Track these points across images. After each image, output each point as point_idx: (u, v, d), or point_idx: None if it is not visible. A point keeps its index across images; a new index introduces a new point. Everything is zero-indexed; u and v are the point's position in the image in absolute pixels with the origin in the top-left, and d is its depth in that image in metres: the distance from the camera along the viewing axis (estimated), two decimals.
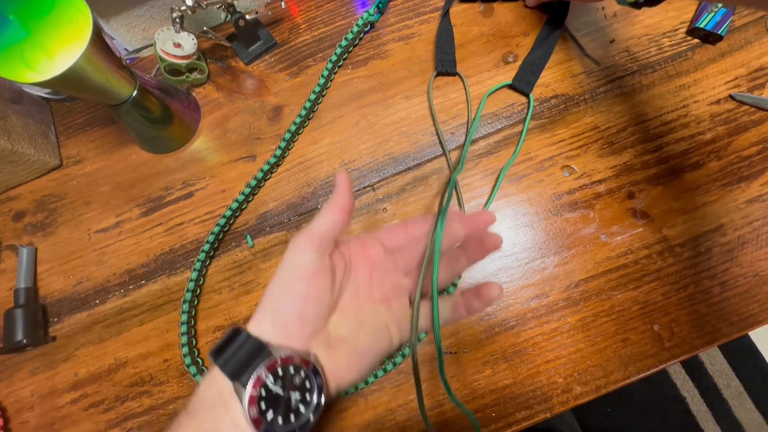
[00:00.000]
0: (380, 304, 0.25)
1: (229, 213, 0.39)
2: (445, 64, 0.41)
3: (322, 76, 0.42)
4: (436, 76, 0.41)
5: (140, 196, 0.42)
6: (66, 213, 0.42)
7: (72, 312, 0.40)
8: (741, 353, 1.02)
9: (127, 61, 0.46)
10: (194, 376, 0.36)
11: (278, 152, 0.40)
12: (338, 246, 0.26)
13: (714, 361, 1.03)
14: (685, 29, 0.41)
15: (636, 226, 0.36)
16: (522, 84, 0.39)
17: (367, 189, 0.40)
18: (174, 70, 0.43)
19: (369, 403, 0.35)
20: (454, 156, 0.40)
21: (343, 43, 0.42)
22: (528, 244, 0.37)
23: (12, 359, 0.39)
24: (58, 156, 0.44)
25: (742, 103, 0.38)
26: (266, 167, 0.40)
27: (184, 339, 0.36)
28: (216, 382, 0.21)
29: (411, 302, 0.26)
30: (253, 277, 0.39)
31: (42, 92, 0.44)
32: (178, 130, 0.42)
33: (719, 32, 0.39)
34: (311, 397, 0.21)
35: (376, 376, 0.35)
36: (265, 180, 0.41)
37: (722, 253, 0.35)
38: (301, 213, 0.40)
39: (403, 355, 0.35)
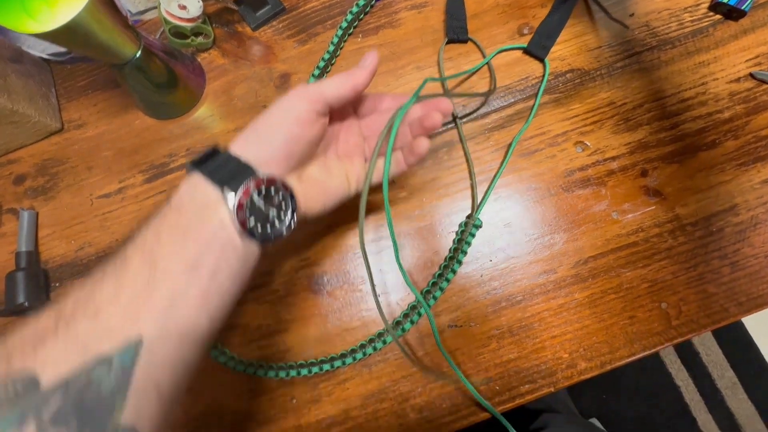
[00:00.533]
0: (344, 158, 0.30)
1: None
2: (456, 31, 0.40)
3: (332, 43, 0.41)
4: (447, 43, 0.40)
5: (143, 162, 0.41)
6: (67, 178, 0.41)
7: (74, 277, 0.39)
8: (737, 344, 1.03)
9: (132, 23, 0.45)
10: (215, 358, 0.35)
11: None
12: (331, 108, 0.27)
13: (710, 351, 1.04)
14: (707, 4, 0.39)
15: (648, 204, 0.36)
16: (537, 49, 0.38)
17: None
18: (179, 34, 0.42)
19: (373, 373, 0.35)
20: (466, 127, 0.39)
21: (354, 9, 0.41)
22: (537, 220, 0.36)
23: (13, 322, 0.39)
24: (59, 119, 0.43)
25: (763, 81, 0.37)
26: None
27: None
28: (200, 187, 0.22)
29: (366, 161, 0.31)
30: None
31: (43, 53, 0.43)
32: (182, 96, 0.41)
33: (743, 8, 0.38)
34: (285, 216, 0.24)
35: (375, 349, 0.35)
36: None
37: (734, 234, 0.35)
38: None
39: (404, 329, 0.35)
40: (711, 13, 0.39)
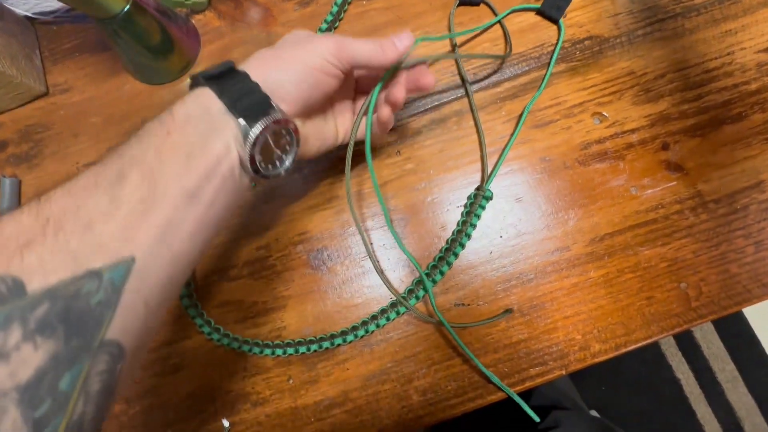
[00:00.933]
0: (337, 108, 0.31)
1: None
2: None
3: (335, 4, 0.38)
4: (458, 5, 0.38)
5: (133, 129, 0.38)
6: (52, 144, 0.39)
7: None
8: (738, 337, 1.02)
9: None
10: (209, 335, 0.33)
11: None
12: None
13: (711, 344, 1.03)
14: None
15: (669, 179, 0.34)
16: (552, 9, 0.36)
17: None
18: None
19: (374, 353, 0.33)
20: (477, 96, 0.37)
21: None
22: (552, 195, 0.34)
23: None
24: (43, 82, 0.40)
25: None
26: None
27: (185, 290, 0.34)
28: (211, 107, 0.21)
29: (353, 114, 0.31)
30: (255, 218, 0.36)
31: (27, 12, 0.40)
32: (175, 59, 0.39)
33: None
34: (287, 157, 0.25)
35: (378, 326, 0.33)
36: None
37: (760, 211, 0.33)
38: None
39: (403, 310, 0.33)
40: None
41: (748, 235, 0.33)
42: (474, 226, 0.34)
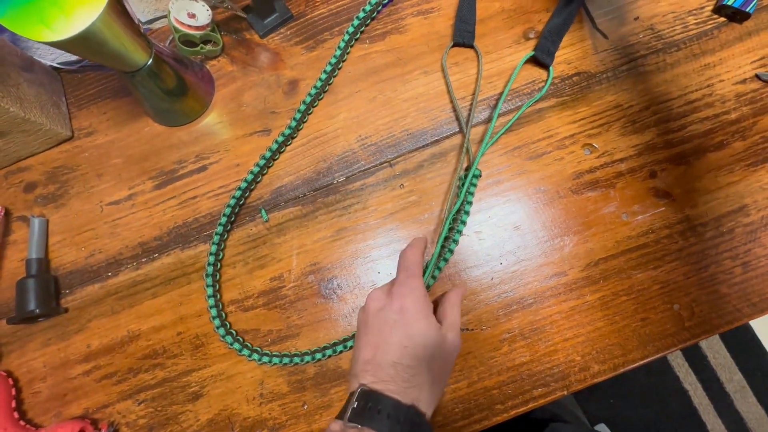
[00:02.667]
0: None
1: (244, 185, 0.38)
2: (464, 35, 0.40)
3: (339, 48, 0.41)
4: (452, 46, 0.41)
5: (153, 168, 0.41)
6: (78, 185, 0.42)
7: (84, 284, 0.39)
8: (744, 347, 1.03)
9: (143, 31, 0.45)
10: (231, 345, 0.36)
11: (293, 124, 0.40)
12: None
13: (717, 354, 1.03)
14: (711, 7, 0.40)
15: (658, 205, 0.36)
16: (543, 55, 0.39)
17: (384, 165, 0.39)
18: (188, 41, 0.42)
19: None
20: (475, 131, 0.39)
21: (361, 15, 0.42)
22: (547, 222, 0.36)
23: (24, 330, 0.39)
24: (69, 127, 0.43)
25: None
26: (281, 139, 0.39)
27: (214, 312, 0.36)
28: None
29: None
30: (268, 251, 0.38)
31: (54, 62, 0.44)
32: (191, 103, 0.42)
33: (747, 10, 0.38)
34: None
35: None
36: (280, 153, 0.40)
37: (745, 234, 0.35)
38: (316, 188, 0.39)
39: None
40: (715, 16, 0.40)
41: (736, 257, 0.35)
42: (470, 203, 0.37)
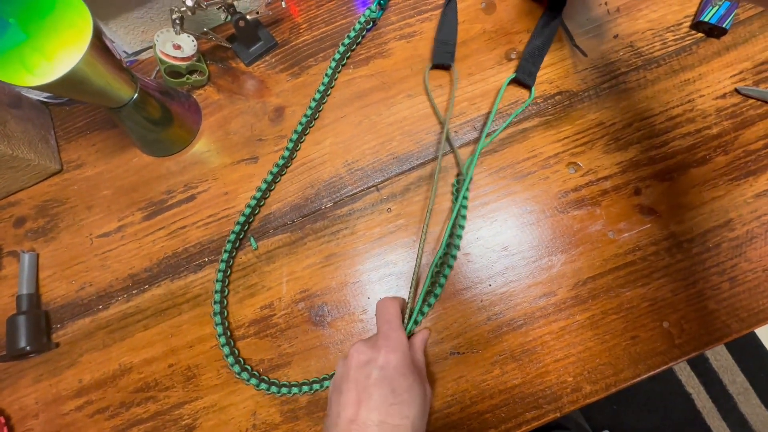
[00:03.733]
0: None
1: (242, 219, 0.39)
2: (443, 56, 0.40)
3: (326, 75, 0.42)
4: (432, 68, 0.41)
5: (142, 199, 0.42)
6: (67, 218, 0.42)
7: (75, 318, 0.39)
8: (746, 349, 1.02)
9: (127, 64, 0.46)
10: (239, 374, 0.35)
11: (286, 153, 0.40)
12: None
13: (719, 357, 1.03)
14: (689, 23, 0.40)
15: (643, 222, 0.36)
16: (525, 76, 0.39)
17: (371, 189, 0.40)
18: (174, 72, 0.43)
19: None
20: (460, 152, 0.39)
21: (346, 41, 0.42)
22: (535, 242, 0.37)
23: (15, 366, 0.38)
24: (58, 160, 0.43)
25: (748, 96, 0.38)
26: (275, 170, 0.40)
27: (223, 339, 0.36)
28: None
29: None
30: (257, 279, 0.38)
31: (41, 96, 0.44)
32: (179, 133, 0.42)
33: (723, 26, 0.38)
34: None
35: None
36: (275, 183, 0.40)
37: (731, 249, 0.35)
38: (304, 215, 0.40)
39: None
40: (693, 32, 0.40)
41: (722, 272, 0.35)
42: (464, 215, 0.37)
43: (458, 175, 0.38)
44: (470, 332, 0.35)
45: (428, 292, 0.36)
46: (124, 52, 0.46)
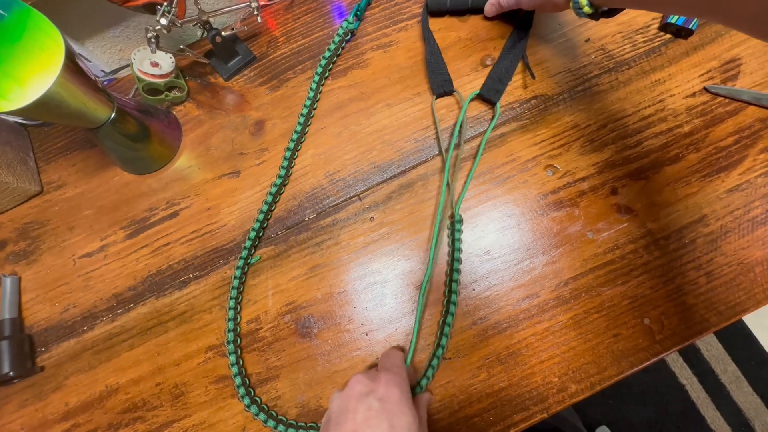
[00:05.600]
0: None
1: (248, 244, 0.39)
2: (443, 85, 0.41)
3: (311, 89, 0.42)
4: (437, 98, 0.41)
5: (124, 218, 0.41)
6: (49, 239, 0.42)
7: (59, 340, 0.39)
8: (735, 337, 1.04)
9: (104, 83, 0.46)
10: (242, 398, 0.35)
11: (282, 172, 0.40)
12: None
13: (710, 347, 1.04)
14: (657, 25, 0.41)
15: (621, 221, 0.37)
16: (490, 93, 0.40)
17: (354, 199, 0.40)
18: (153, 90, 0.43)
19: None
20: (438, 160, 0.40)
21: (327, 53, 0.43)
22: (516, 245, 0.37)
23: (0, 392, 0.38)
24: (38, 182, 0.43)
25: (717, 95, 0.39)
26: (274, 189, 0.40)
27: (235, 369, 0.36)
28: None
29: None
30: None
31: (18, 119, 0.44)
32: (159, 150, 0.42)
33: (690, 27, 0.40)
34: None
35: None
36: (275, 203, 0.40)
37: (706, 244, 0.36)
38: (288, 227, 0.40)
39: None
40: (661, 33, 0.41)
41: (699, 267, 0.35)
42: (459, 251, 0.37)
43: (452, 216, 0.38)
44: (456, 337, 0.36)
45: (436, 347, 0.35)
46: (102, 71, 0.46)
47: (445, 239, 0.38)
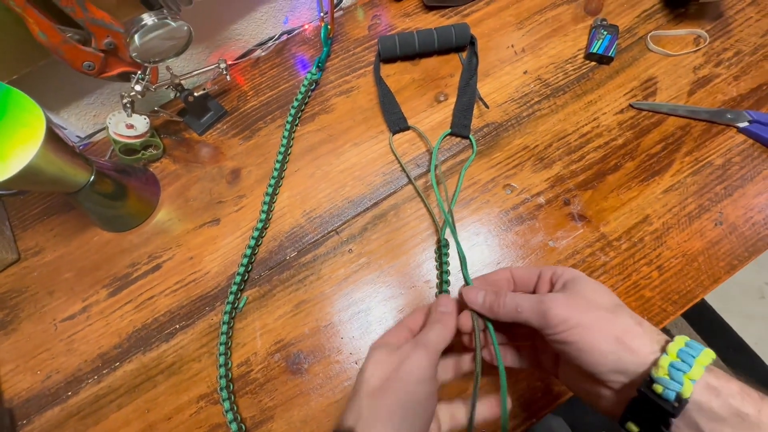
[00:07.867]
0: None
1: (234, 288, 0.40)
2: (398, 122, 0.45)
3: (284, 137, 0.45)
4: (394, 134, 0.45)
5: (106, 276, 0.42)
6: (28, 307, 0.41)
7: (42, 409, 0.38)
8: (711, 327, 1.09)
9: (81, 147, 0.47)
10: None
11: (263, 216, 0.42)
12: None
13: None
14: (582, 55, 0.47)
15: (576, 228, 0.41)
16: (460, 129, 0.44)
17: (331, 234, 0.42)
18: (129, 150, 0.45)
19: None
20: (406, 190, 0.43)
21: (295, 103, 0.46)
22: (486, 261, 0.40)
23: None
24: (15, 250, 0.43)
25: (641, 109, 0.45)
26: (256, 234, 0.41)
27: (230, 415, 0.35)
28: None
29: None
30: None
31: None
32: (138, 206, 0.43)
33: (609, 54, 0.46)
34: None
35: None
36: (258, 246, 0.42)
37: (653, 240, 0.40)
38: (271, 267, 0.41)
39: None
40: (587, 62, 0.47)
41: (650, 262, 0.39)
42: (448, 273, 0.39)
43: (438, 242, 0.41)
44: None
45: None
46: (77, 136, 0.48)
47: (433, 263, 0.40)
